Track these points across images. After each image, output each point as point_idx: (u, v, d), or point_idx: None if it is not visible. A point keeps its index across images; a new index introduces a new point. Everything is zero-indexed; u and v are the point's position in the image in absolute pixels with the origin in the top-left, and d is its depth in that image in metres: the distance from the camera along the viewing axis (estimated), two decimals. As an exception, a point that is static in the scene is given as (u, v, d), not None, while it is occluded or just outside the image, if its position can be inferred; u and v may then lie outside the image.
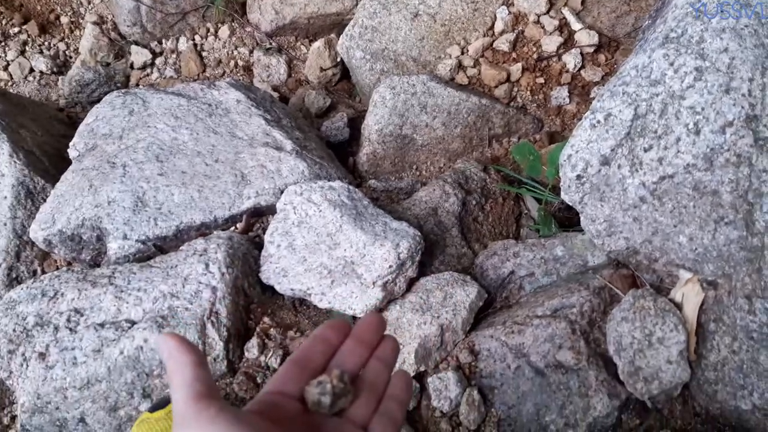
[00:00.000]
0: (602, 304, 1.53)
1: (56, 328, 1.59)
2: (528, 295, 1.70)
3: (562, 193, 1.54)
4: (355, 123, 2.58)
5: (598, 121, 1.45)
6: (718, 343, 1.38)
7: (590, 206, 1.50)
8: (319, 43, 2.77)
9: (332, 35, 2.82)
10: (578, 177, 1.48)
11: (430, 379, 1.57)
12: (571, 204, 1.55)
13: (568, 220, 1.95)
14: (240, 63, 2.89)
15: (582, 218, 1.55)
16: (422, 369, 1.58)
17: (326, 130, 2.49)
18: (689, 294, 1.41)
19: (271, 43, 2.94)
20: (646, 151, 1.39)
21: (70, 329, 1.58)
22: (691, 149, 1.34)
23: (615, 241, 1.51)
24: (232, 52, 2.92)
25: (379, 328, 0.77)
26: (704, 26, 1.37)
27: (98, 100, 2.57)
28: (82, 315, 1.61)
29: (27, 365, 1.57)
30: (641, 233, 1.45)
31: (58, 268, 2.04)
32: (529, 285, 1.72)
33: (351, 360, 0.73)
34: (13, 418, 1.86)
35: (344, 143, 2.50)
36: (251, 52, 2.93)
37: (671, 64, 1.38)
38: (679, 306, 1.42)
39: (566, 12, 2.42)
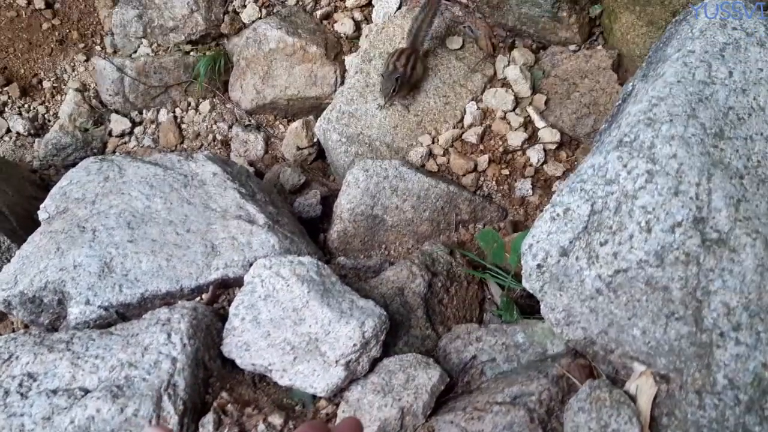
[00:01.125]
0: (560, 393, 1.55)
1: (7, 392, 1.54)
2: (489, 380, 1.72)
3: (523, 281, 1.60)
4: (328, 201, 2.65)
5: (558, 215, 1.54)
6: (671, 436, 1.41)
7: (550, 295, 1.56)
8: (297, 124, 2.88)
9: (310, 117, 2.94)
10: (539, 266, 1.55)
11: (385, 463, 1.55)
12: (531, 292, 1.60)
13: (530, 307, 2.00)
14: (218, 137, 2.97)
15: (542, 306, 1.60)
16: (381, 452, 1.56)
17: (299, 206, 2.54)
18: (643, 387, 1.45)
19: (250, 121, 3.04)
20: (602, 245, 1.47)
21: (22, 394, 1.53)
22: (644, 246, 1.43)
23: (573, 330, 1.55)
24: (212, 126, 3.01)
25: (358, 430, 0.82)
26: (655, 133, 1.50)
27: (73, 164, 2.59)
28: (35, 380, 1.56)
29: (-31, 432, 1.50)
30: (597, 324, 1.51)
31: (14, 330, 1.99)
32: (490, 370, 1.74)
33: None
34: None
35: (316, 220, 2.56)
36: (230, 127, 3.02)
37: (624, 166, 1.49)
38: (633, 398, 1.45)
39: (531, 111, 2.59)
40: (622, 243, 1.45)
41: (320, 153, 2.94)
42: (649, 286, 1.43)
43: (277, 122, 3.06)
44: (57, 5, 3.29)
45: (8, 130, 3.02)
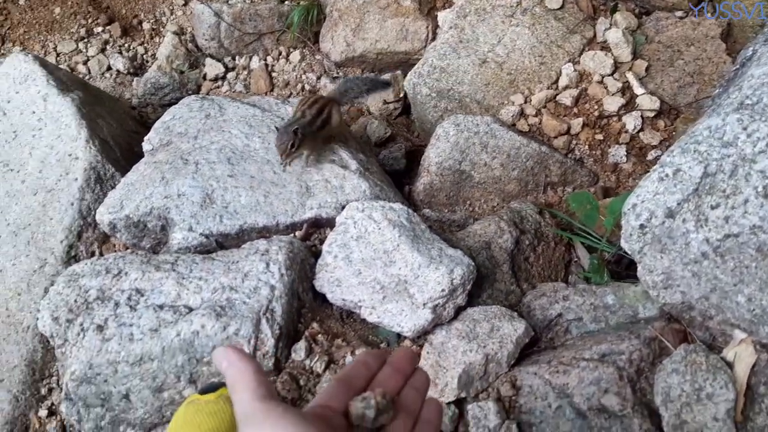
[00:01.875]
0: (651, 355, 1.54)
1: (117, 304, 1.65)
2: (575, 338, 1.71)
3: (622, 241, 1.58)
4: (411, 156, 2.67)
5: (667, 175, 1.50)
6: (767, 406, 1.38)
7: (649, 257, 1.53)
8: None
9: (398, 72, 2.94)
10: (641, 227, 1.52)
11: (469, 407, 1.58)
12: (630, 253, 1.58)
13: (616, 273, 1.97)
14: (306, 87, 3.02)
15: (639, 268, 1.57)
16: (462, 395, 1.60)
17: (384, 158, 2.57)
18: (742, 354, 1.42)
19: (338, 73, 3.07)
20: (713, 208, 1.43)
21: (131, 307, 1.64)
22: (758, 211, 1.38)
23: (671, 294, 1.53)
24: (300, 76, 3.06)
25: (414, 360, 0.86)
26: (780, 97, 1.43)
27: (169, 104, 2.71)
28: (142, 295, 1.67)
29: (84, 335, 1.62)
30: (699, 289, 1.48)
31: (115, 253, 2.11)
32: (576, 329, 1.74)
33: (389, 384, 0.80)
34: (51, 390, 1.90)
35: (399, 173, 2.58)
36: (318, 78, 3.06)
37: (744, 129, 1.43)
38: (730, 365, 1.43)
39: (630, 76, 2.50)
40: (736, 207, 1.40)
41: (405, 109, 2.94)
42: (761, 252, 1.38)
43: (365, 76, 3.08)
44: (159, -51, 3.39)
45: (109, 68, 3.16)
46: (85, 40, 3.25)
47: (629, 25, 2.58)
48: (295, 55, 3.11)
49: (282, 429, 0.63)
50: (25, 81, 2.37)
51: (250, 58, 3.12)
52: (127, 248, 2.06)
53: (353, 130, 2.78)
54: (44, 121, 2.27)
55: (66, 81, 2.45)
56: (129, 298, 1.67)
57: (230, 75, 3.09)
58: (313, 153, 2.02)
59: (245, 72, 3.09)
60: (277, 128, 1.93)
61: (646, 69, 2.52)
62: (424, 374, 0.85)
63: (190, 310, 1.62)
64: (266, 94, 3.02)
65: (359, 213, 1.85)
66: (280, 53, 3.13)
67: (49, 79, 2.35)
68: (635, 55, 2.53)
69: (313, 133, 1.98)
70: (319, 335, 1.69)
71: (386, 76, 2.85)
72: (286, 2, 3.10)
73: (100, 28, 3.29)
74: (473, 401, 1.60)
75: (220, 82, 3.08)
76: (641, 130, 2.41)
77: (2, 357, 1.90)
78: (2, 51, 3.24)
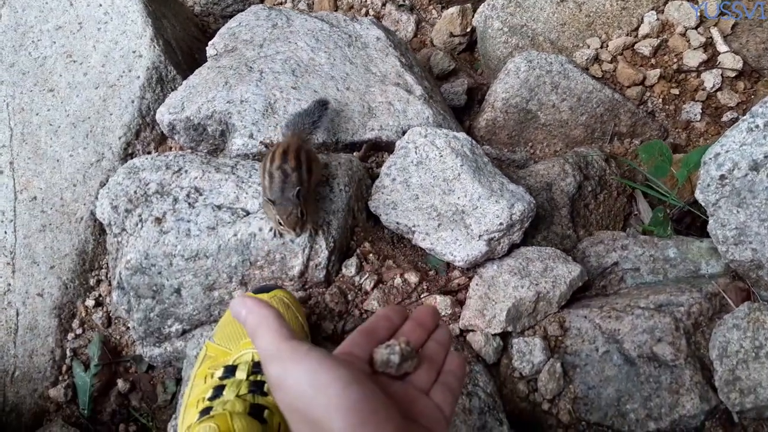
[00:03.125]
0: (711, 310, 1.50)
1: (176, 200, 1.66)
2: (630, 288, 1.68)
3: (697, 192, 1.52)
4: (472, 93, 2.59)
5: (757, 126, 1.42)
6: (829, 375, 1.34)
7: (724, 210, 1.47)
8: (453, 10, 2.78)
9: (467, 5, 2.82)
10: (721, 177, 1.45)
11: (515, 341, 1.57)
12: (703, 204, 1.52)
13: (677, 231, 1.91)
14: (371, 12, 2.93)
15: (711, 222, 1.52)
16: (509, 329, 1.58)
17: (445, 92, 2.50)
18: (809, 319, 1.37)
19: (404, 1, 2.97)
20: (803, 165, 1.35)
21: (189, 204, 1.65)
22: None
23: (741, 250, 1.47)
24: (366, 0, 2.96)
25: (436, 316, 0.86)
26: None
27: (230, 16, 2.64)
28: (201, 194, 1.67)
29: (142, 226, 1.64)
30: (773, 248, 1.42)
31: (175, 153, 2.11)
32: (631, 279, 1.70)
33: (412, 337, 0.80)
34: (99, 281, 1.95)
35: (459, 109, 2.52)
36: (384, 4, 2.96)
37: None
38: (795, 329, 1.38)
39: (715, 32, 2.36)
40: (830, 166, 1.33)
41: (470, 45, 2.84)
42: None
43: (431, 6, 2.97)
44: None
45: (174, -26, 3.11)
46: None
47: (722, -24, 2.42)
48: (363, -22, 3.01)
49: (308, 365, 0.64)
50: (94, -28, 2.33)
51: (316, -24, 3.03)
52: (184, 150, 2.06)
53: (418, 58, 2.71)
54: (110, 15, 2.24)
55: (134, -23, 2.41)
56: (188, 195, 1.67)
57: (294, -8, 3.01)
58: (312, 212, 1.59)
59: (310, -10, 3.01)
60: (269, 200, 1.48)
61: (732, 27, 2.37)
62: (447, 329, 0.86)
63: (248, 213, 1.62)
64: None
65: (422, 138, 1.81)
66: (346, -26, 3.03)
67: (117, -27, 2.31)
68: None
69: (307, 187, 1.56)
70: (371, 254, 1.69)
71: (453, 9, 2.74)
72: None
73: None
74: (519, 336, 1.59)
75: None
76: (719, 89, 2.29)
77: (54, 245, 1.95)
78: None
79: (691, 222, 1.89)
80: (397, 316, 0.84)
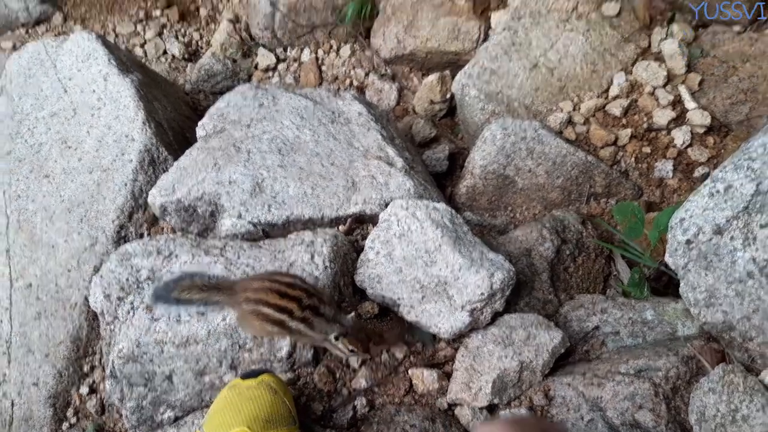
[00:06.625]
0: (688, 374, 1.54)
1: (167, 285, 1.71)
2: (610, 352, 1.72)
3: (666, 256, 1.58)
4: (454, 158, 2.68)
5: (718, 191, 1.49)
6: (806, 436, 1.37)
7: (693, 273, 1.53)
8: (433, 77, 2.90)
9: (446, 72, 2.94)
10: (688, 242, 1.52)
11: (502, 413, 1.61)
12: (673, 268, 1.58)
13: (655, 290, 1.96)
14: (355, 83, 3.05)
15: (682, 285, 1.57)
16: (495, 401, 1.62)
17: (427, 159, 2.59)
18: (783, 381, 1.41)
19: (386, 70, 3.10)
20: (762, 227, 1.42)
21: (180, 288, 1.70)
22: (811, 239, 1.36)
23: (712, 312, 1.52)
24: (349, 72, 3.09)
25: None
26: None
27: (221, 92, 2.77)
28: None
29: (134, 314, 1.69)
30: (741, 309, 1.47)
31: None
32: (612, 343, 1.74)
33: None
34: (93, 368, 1.96)
35: (441, 175, 2.60)
36: (367, 74, 3.09)
37: (802, 153, 1.42)
38: (767, 388, 1.42)
39: (683, 90, 2.47)
40: (788, 232, 1.39)
41: (450, 110, 2.95)
42: (811, 280, 1.36)
43: (412, 74, 3.10)
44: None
45: (165, 52, 3.25)
46: (144, 22, 3.34)
47: (685, 36, 2.54)
48: (346, 50, 3.15)
49: None
50: (88, 59, 2.44)
51: (302, 50, 3.16)
52: (175, 232, 2.12)
53: (399, 128, 2.81)
54: (103, 101, 2.34)
55: (126, 62, 2.53)
56: (178, 280, 1.73)
57: (281, 66, 3.15)
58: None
59: (296, 64, 3.14)
60: (335, 338, 1.55)
61: (699, 83, 2.48)
62: None
63: (236, 295, 1.68)
64: (315, 87, 3.06)
65: (403, 210, 1.87)
66: (330, 47, 3.17)
67: (110, 59, 2.42)
68: (689, 68, 2.49)
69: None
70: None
71: (432, 77, 2.86)
72: (341, -4, 3.13)
73: (158, 12, 3.38)
74: (505, 408, 1.62)
75: (270, 73, 3.13)
76: (690, 145, 2.38)
77: (49, 332, 1.97)
78: (64, 29, 3.36)
79: (669, 281, 1.94)
80: None
